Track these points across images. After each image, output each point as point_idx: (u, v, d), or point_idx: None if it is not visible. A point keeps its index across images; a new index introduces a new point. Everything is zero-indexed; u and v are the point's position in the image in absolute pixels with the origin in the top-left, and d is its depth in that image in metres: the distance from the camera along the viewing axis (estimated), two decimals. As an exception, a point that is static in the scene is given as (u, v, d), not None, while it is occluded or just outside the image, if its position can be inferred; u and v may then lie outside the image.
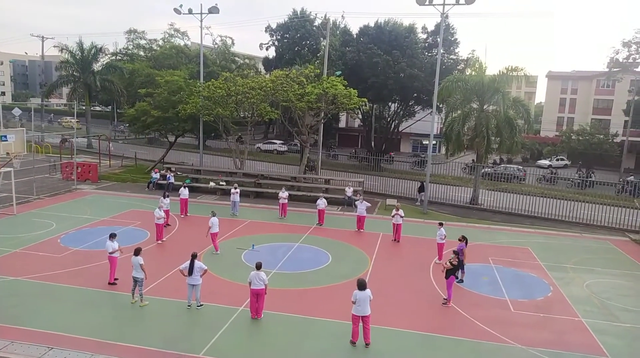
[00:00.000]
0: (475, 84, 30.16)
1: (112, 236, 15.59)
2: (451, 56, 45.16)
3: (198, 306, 13.99)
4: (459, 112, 31.42)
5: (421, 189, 31.22)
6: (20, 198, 25.87)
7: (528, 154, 61.06)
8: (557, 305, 15.58)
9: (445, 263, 15.17)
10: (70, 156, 36.94)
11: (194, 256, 13.96)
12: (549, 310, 15.18)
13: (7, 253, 17.97)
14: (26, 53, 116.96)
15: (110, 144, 46.17)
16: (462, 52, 69.46)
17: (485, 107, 30.86)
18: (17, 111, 63.55)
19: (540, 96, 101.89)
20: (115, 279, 15.49)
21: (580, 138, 49.70)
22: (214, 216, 19.04)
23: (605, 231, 26.34)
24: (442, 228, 19.23)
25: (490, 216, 28.59)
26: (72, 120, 68.28)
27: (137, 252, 14.09)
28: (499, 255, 20.50)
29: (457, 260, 15.19)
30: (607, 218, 27.34)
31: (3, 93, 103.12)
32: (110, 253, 15.36)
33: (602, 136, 49.92)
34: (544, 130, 71.56)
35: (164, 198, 22.13)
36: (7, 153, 23.33)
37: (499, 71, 30.16)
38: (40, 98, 68.00)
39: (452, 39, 44.81)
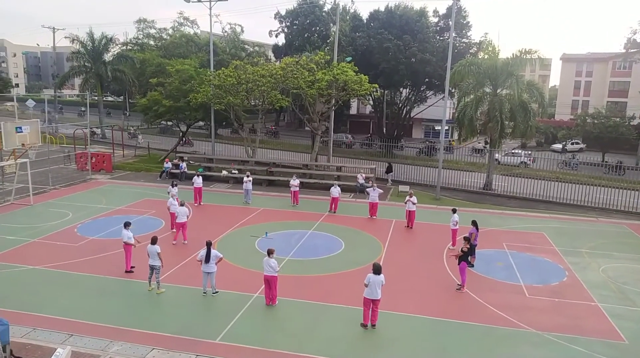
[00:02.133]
0: (488, 67, 29.72)
1: (127, 224, 15.78)
2: (463, 40, 44.50)
3: (213, 293, 14.15)
4: (471, 96, 31.04)
5: (389, 170, 32.18)
6: (37, 188, 26.25)
7: (542, 138, 60.24)
8: (572, 290, 15.48)
9: (458, 251, 15.17)
10: (84, 147, 37.33)
11: (209, 245, 14.08)
12: (564, 295, 15.09)
13: (25, 243, 18.30)
14: (38, 45, 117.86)
15: (141, 137, 46.21)
16: (475, 35, 68.68)
17: (498, 91, 30.43)
18: (30, 103, 64.13)
19: (554, 79, 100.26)
20: (132, 267, 15.71)
21: (596, 121, 48.87)
22: (182, 205, 18.81)
23: (622, 215, 26.00)
24: (455, 214, 19.15)
25: (504, 202, 28.35)
26: (8, 104, 69.10)
27: (153, 241, 14.25)
28: (514, 241, 20.38)
29: (467, 246, 15.15)
30: (623, 202, 26.97)
31: (17, 85, 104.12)
32: (125, 242, 15.57)
33: (618, 119, 49.02)
34: (558, 114, 70.50)
35: (172, 186, 22.26)
36: (23, 144, 23.61)
37: (513, 54, 29.73)
38: (53, 89, 68.51)
39: (464, 22, 44.13)
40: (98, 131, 50.36)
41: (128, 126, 51.80)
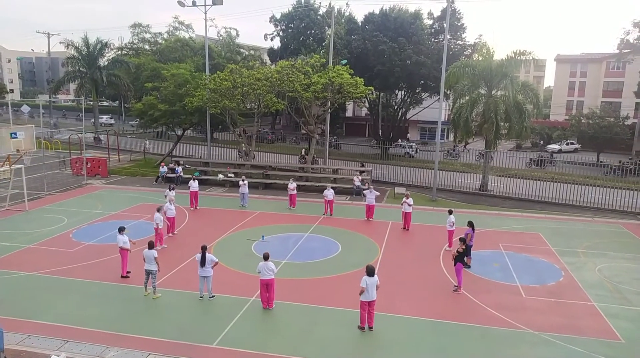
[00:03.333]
0: (483, 69, 29.83)
1: (121, 229, 15.70)
2: (458, 42, 44.69)
3: (210, 297, 14.11)
4: (466, 98, 31.12)
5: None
6: (32, 194, 26.13)
7: (538, 139, 60.46)
8: (569, 290, 15.51)
9: (454, 252, 15.20)
10: (79, 152, 37.22)
11: (204, 249, 14.05)
12: (560, 295, 15.11)
13: (20, 249, 18.20)
14: (33, 50, 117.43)
15: (148, 142, 45.13)
16: (469, 37, 68.94)
17: (493, 92, 30.55)
18: (25, 108, 63.84)
19: (549, 80, 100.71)
20: (128, 272, 15.64)
21: (590, 121, 49.09)
22: (157, 211, 18.58)
23: (617, 214, 26.10)
24: (451, 216, 19.17)
25: (500, 203, 28.42)
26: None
27: (150, 246, 14.22)
28: (510, 241, 20.42)
29: (463, 247, 15.14)
30: (618, 202, 27.08)
31: (12, 90, 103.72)
32: (120, 247, 15.51)
33: (612, 119, 49.27)
34: (553, 114, 70.81)
35: (170, 190, 22.19)
36: (18, 150, 23.51)
37: (507, 56, 29.80)
38: (48, 95, 68.30)
39: (459, 24, 44.29)
40: (102, 136, 49.68)
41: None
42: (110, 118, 72.50)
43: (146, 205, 25.23)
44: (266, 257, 13.54)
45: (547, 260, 18.34)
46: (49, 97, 65.26)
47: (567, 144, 55.74)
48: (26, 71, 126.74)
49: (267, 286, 13.49)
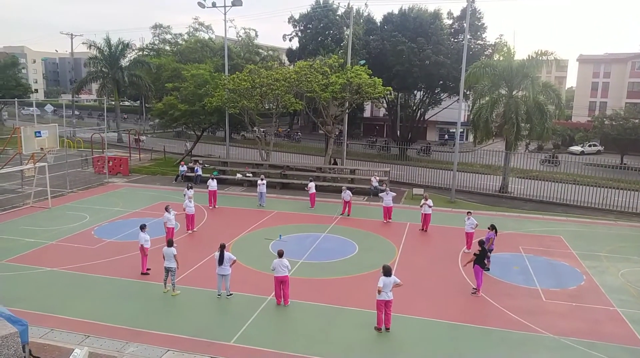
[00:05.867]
0: (503, 69, 29.47)
1: (143, 227, 15.93)
2: (478, 42, 44.28)
3: (228, 295, 14.21)
4: (487, 98, 30.81)
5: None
6: (55, 191, 26.68)
7: (559, 140, 59.46)
8: (590, 294, 15.22)
9: (471, 256, 15.04)
10: (101, 151, 37.89)
11: (222, 247, 14.16)
12: (582, 299, 14.84)
13: (43, 245, 18.60)
14: (56, 51, 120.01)
15: (189, 144, 44.98)
16: (490, 37, 68.03)
17: (514, 93, 30.17)
18: (49, 108, 65.30)
19: (571, 81, 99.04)
20: (148, 269, 15.85)
21: (614, 123, 48.08)
22: (167, 211, 18.81)
23: (641, 218, 25.50)
24: (472, 217, 18.91)
25: (520, 205, 28.01)
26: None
27: (170, 243, 14.40)
28: (530, 244, 20.12)
29: (479, 249, 14.91)
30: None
31: (36, 90, 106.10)
32: (141, 244, 15.73)
33: (637, 121, 48.17)
34: (575, 115, 69.56)
35: (188, 189, 22.44)
36: (41, 148, 24.04)
37: (528, 56, 29.42)
38: (70, 94, 69.63)
39: (479, 23, 43.90)
40: (143, 137, 49.91)
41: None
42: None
43: (166, 203, 25.45)
44: (281, 254, 13.69)
45: (568, 263, 18.02)
46: (71, 97, 66.59)
47: (590, 146, 54.74)
48: (50, 71, 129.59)
49: (282, 283, 13.60)
